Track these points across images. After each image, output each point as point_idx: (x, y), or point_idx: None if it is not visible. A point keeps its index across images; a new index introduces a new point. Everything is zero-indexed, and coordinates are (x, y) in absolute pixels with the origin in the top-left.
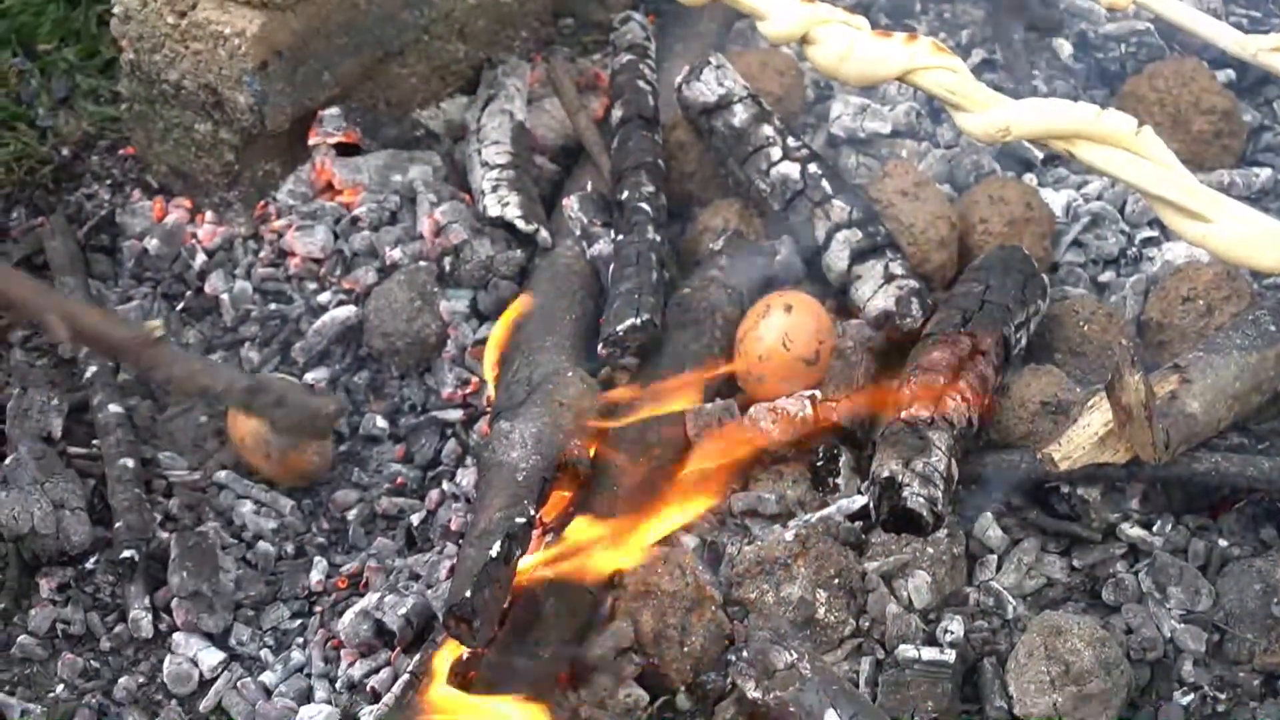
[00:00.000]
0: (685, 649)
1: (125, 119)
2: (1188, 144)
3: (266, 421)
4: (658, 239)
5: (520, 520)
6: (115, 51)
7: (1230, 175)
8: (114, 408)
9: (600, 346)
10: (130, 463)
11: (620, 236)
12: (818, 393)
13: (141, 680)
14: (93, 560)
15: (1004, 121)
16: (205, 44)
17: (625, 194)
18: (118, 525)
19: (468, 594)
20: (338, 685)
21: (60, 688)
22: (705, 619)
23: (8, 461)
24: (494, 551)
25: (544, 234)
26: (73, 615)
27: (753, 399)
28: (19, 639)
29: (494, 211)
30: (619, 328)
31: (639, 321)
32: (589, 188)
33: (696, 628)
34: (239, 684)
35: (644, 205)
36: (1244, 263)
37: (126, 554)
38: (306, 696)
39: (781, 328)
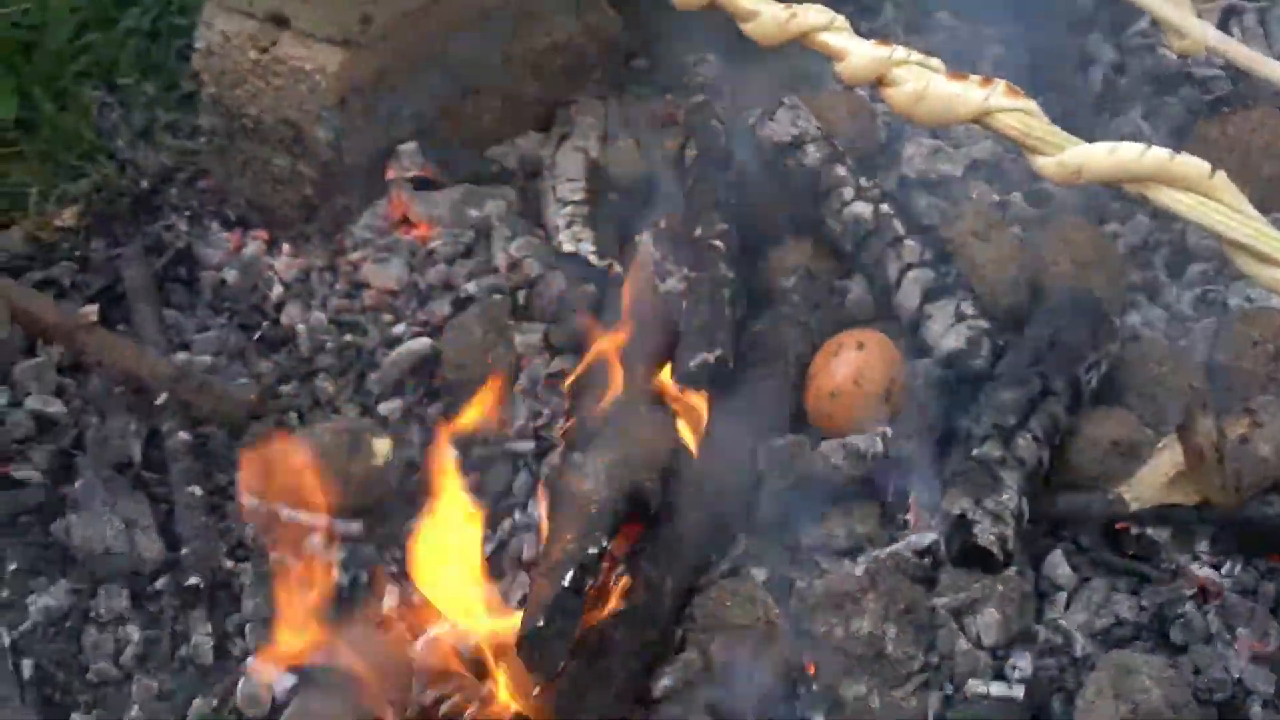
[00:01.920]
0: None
1: (204, 152)
2: (1256, 188)
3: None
4: (730, 275)
5: (592, 551)
6: (195, 85)
7: None
8: (183, 435)
9: (673, 381)
10: (198, 490)
11: (693, 273)
12: (889, 429)
13: (215, 703)
14: (161, 581)
15: (1078, 164)
16: (286, 80)
17: (698, 231)
18: (184, 552)
19: (540, 624)
20: (409, 710)
21: (135, 709)
22: (774, 651)
23: (76, 486)
24: (566, 581)
25: (617, 269)
26: (147, 638)
27: (824, 435)
28: (94, 663)
29: (568, 246)
30: (692, 363)
31: (711, 357)
32: (662, 224)
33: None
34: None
35: (717, 242)
36: None
37: (192, 581)
38: None
39: (853, 365)
